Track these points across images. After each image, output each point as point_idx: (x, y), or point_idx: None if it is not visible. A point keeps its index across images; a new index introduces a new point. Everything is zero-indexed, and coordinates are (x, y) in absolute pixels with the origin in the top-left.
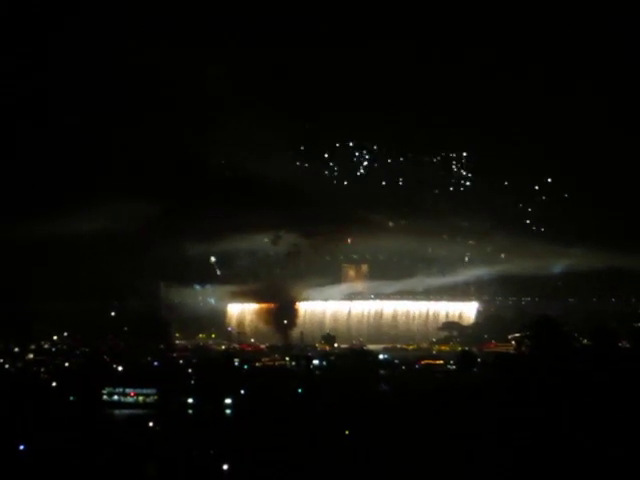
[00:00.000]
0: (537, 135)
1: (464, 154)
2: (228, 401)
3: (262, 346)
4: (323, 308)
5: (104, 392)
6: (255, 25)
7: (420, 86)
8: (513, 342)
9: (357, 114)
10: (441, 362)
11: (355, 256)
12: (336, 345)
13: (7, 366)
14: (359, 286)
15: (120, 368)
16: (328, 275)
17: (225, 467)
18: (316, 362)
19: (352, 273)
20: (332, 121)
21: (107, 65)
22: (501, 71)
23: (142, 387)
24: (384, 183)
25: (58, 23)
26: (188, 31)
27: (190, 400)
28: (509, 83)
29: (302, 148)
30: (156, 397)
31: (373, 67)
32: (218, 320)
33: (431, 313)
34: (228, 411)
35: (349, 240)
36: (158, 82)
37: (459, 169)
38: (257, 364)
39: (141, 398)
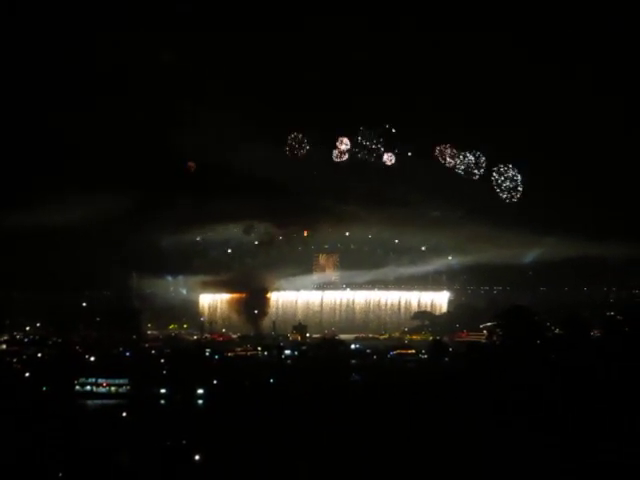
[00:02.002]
0: (507, 125)
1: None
2: (200, 391)
3: (234, 336)
4: (295, 298)
5: (77, 382)
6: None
7: (387, 75)
8: (485, 331)
9: (328, 104)
10: (413, 351)
11: (327, 246)
12: (308, 335)
13: None
14: (331, 276)
15: (92, 358)
16: (300, 265)
17: (197, 457)
18: (288, 352)
19: (324, 263)
20: (304, 111)
21: (71, 52)
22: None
23: (114, 377)
24: (355, 173)
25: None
26: (157, 16)
27: (162, 390)
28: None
29: (274, 138)
30: (128, 387)
31: (341, 55)
32: (190, 310)
33: (403, 302)
34: (200, 401)
35: (320, 230)
36: (126, 71)
37: (430, 159)
38: (229, 354)
39: (113, 388)
